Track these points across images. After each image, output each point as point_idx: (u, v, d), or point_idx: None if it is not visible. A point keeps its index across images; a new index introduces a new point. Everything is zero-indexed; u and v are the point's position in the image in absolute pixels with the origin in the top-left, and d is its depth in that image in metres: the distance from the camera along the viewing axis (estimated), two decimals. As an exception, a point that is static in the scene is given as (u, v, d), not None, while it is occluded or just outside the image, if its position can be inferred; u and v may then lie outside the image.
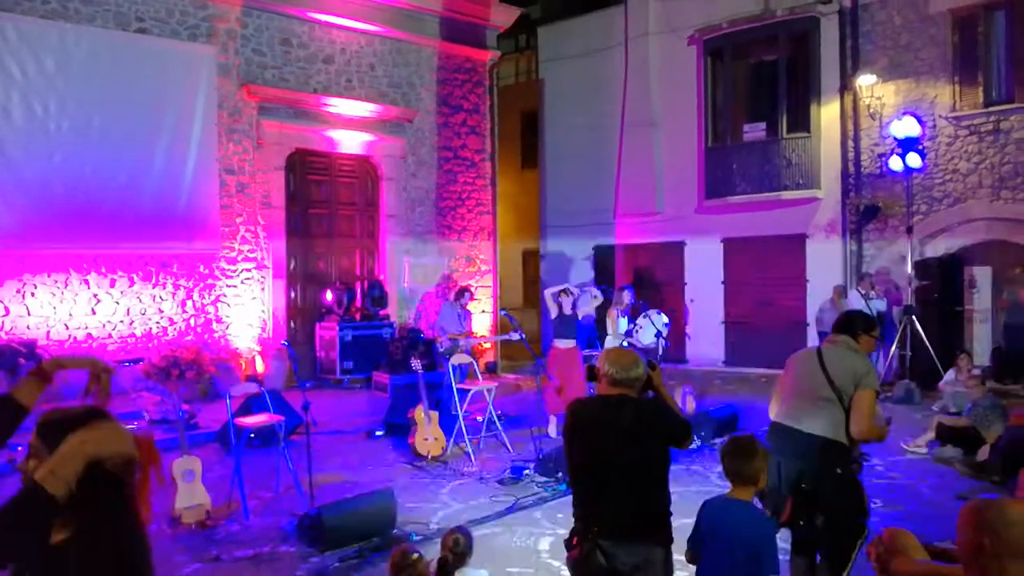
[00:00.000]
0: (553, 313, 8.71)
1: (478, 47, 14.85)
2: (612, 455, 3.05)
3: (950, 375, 9.88)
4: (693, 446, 8.20)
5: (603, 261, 16.67)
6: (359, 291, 12.94)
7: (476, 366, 9.36)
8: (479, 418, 9.34)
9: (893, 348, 11.46)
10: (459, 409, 8.16)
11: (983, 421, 7.12)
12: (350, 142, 13.06)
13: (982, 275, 12.71)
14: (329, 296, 12.37)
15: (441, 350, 9.25)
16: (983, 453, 6.89)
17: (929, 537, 5.25)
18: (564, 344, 8.65)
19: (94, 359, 2.48)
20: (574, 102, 16.97)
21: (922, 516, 5.80)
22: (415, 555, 3.43)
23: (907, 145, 11.46)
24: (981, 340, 12.06)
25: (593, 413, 3.20)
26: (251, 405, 7.93)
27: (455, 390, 8.35)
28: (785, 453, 3.89)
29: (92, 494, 1.89)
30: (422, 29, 13.90)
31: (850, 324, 4.16)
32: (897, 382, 11.06)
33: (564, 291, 8.79)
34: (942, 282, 11.77)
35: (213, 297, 11.54)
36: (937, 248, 12.83)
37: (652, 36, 15.71)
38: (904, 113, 12.17)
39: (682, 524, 5.63)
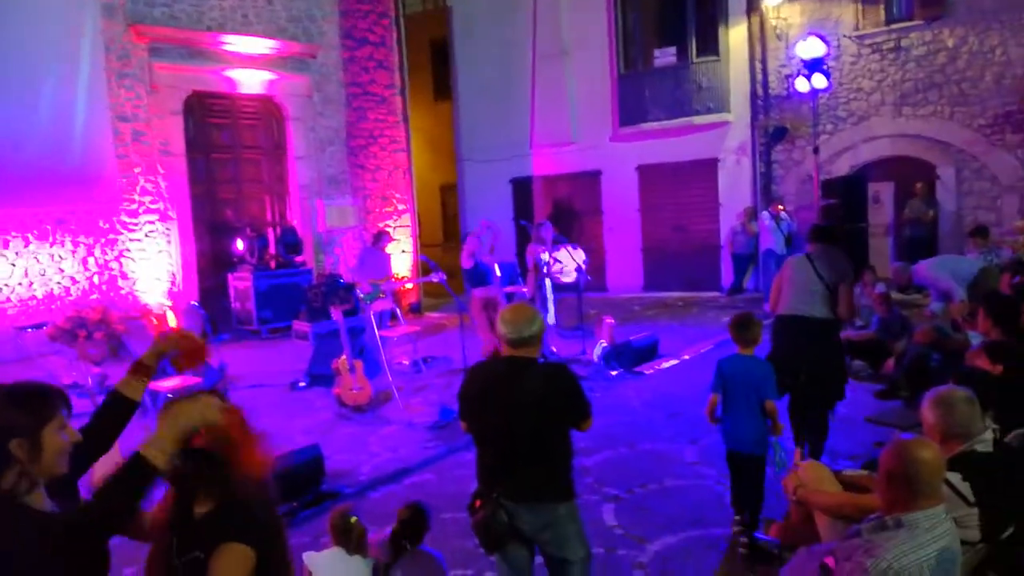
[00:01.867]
0: (467, 264, 8.59)
1: (381, -25, 14.27)
2: (517, 419, 3.02)
3: (856, 290, 10.25)
4: (613, 373, 8.40)
5: (522, 193, 16.59)
6: (271, 238, 12.55)
7: (399, 310, 9.25)
8: (405, 362, 9.31)
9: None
10: (383, 356, 8.08)
11: (889, 336, 7.45)
12: (251, 82, 12.47)
13: (885, 191, 13.17)
14: (240, 245, 11.97)
15: (362, 296, 9.08)
16: (888, 366, 7.24)
17: (839, 455, 5.53)
18: (481, 292, 8.58)
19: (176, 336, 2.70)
20: (485, 30, 16.56)
21: (832, 432, 6.06)
22: (353, 518, 3.38)
23: (812, 66, 11.60)
24: (884, 254, 12.57)
25: (497, 377, 3.14)
26: (165, 365, 7.67)
27: (378, 337, 8.25)
28: (794, 333, 5.18)
29: (197, 469, 2.07)
30: (319, -42, 13.23)
31: (830, 234, 5.54)
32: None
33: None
34: (847, 199, 12.11)
35: (116, 252, 11.02)
36: (842, 166, 13.20)
37: (559, -40, 15.36)
38: (809, 33, 12.30)
39: (606, 457, 5.80)
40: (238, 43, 12.07)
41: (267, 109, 12.96)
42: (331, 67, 13.58)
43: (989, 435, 2.97)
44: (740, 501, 4.43)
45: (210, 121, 12.30)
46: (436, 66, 19.21)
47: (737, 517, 4.40)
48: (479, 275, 8.59)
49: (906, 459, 2.38)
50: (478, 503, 3.13)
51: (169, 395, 7.13)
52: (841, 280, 5.18)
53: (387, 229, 12.20)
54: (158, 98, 11.35)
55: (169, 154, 11.52)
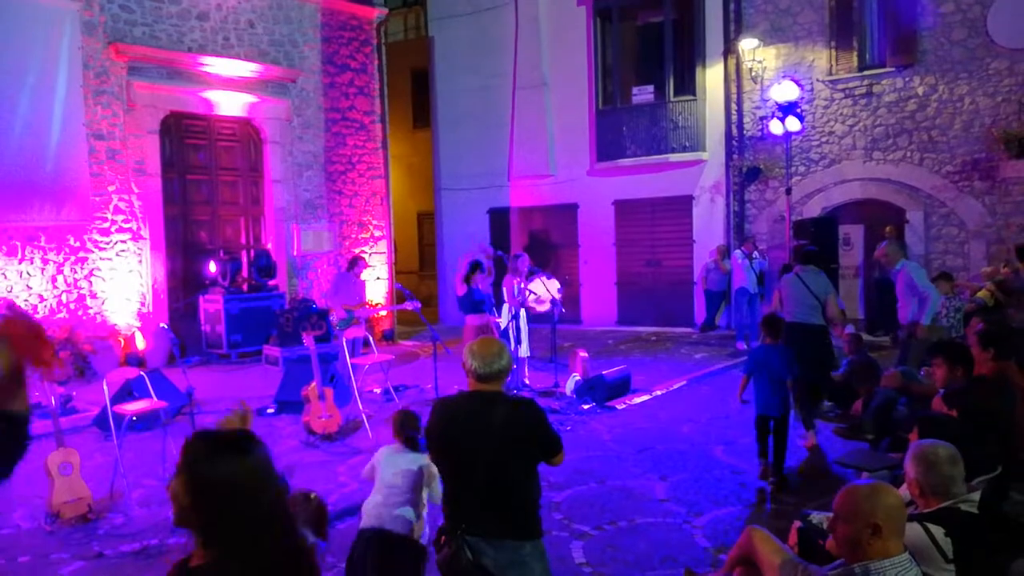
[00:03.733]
0: (461, 291, 8.56)
1: (364, 3, 14.38)
2: (483, 455, 2.98)
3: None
4: (585, 406, 8.38)
5: (498, 224, 16.64)
6: (245, 261, 12.44)
7: (372, 338, 9.18)
8: (376, 390, 9.23)
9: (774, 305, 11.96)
10: (354, 383, 8.02)
11: (857, 378, 7.53)
12: (230, 104, 12.45)
13: (855, 233, 13.39)
14: (213, 267, 11.86)
15: (336, 323, 9.02)
16: (856, 407, 7.31)
17: (807, 497, 5.54)
18: (475, 319, 8.54)
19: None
20: (465, 61, 16.70)
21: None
22: (312, 494, 3.52)
23: (786, 109, 11.86)
24: (854, 296, 12.74)
25: (464, 412, 3.10)
26: (132, 387, 7.55)
27: (350, 364, 8.19)
28: (795, 335, 6.60)
29: None
30: (304, -16, 13.31)
31: (814, 257, 7.52)
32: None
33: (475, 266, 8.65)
34: (818, 240, 12.28)
35: (86, 271, 10.88)
36: (813, 208, 13.42)
37: (542, -5, 15.58)
38: (783, 77, 12.57)
39: (576, 493, 5.77)
40: (218, 65, 12.06)
41: (245, 132, 12.93)
42: (311, 92, 13.61)
43: (976, 496, 2.99)
44: (766, 453, 5.91)
45: (187, 142, 12.24)
46: (416, 94, 19.31)
47: (766, 467, 5.89)
48: (475, 302, 8.53)
49: (868, 505, 2.38)
50: (443, 539, 3.09)
51: (134, 418, 7.01)
52: (828, 293, 6.99)
53: (363, 255, 12.14)
54: (135, 117, 11.29)
55: (144, 173, 11.44)
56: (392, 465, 4.04)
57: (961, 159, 12.35)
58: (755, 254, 12.76)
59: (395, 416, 4.23)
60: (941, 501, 2.93)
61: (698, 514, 5.37)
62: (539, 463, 3.12)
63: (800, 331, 6.80)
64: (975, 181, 12.27)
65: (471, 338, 8.40)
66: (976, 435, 3.68)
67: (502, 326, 9.36)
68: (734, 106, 14.10)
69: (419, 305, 8.67)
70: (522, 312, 9.29)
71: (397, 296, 13.86)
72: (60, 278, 10.65)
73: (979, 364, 4.63)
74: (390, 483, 3.98)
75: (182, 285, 12.14)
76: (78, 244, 10.80)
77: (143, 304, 11.39)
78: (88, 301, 10.88)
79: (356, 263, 10.54)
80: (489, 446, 2.98)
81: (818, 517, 3.40)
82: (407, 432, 4.12)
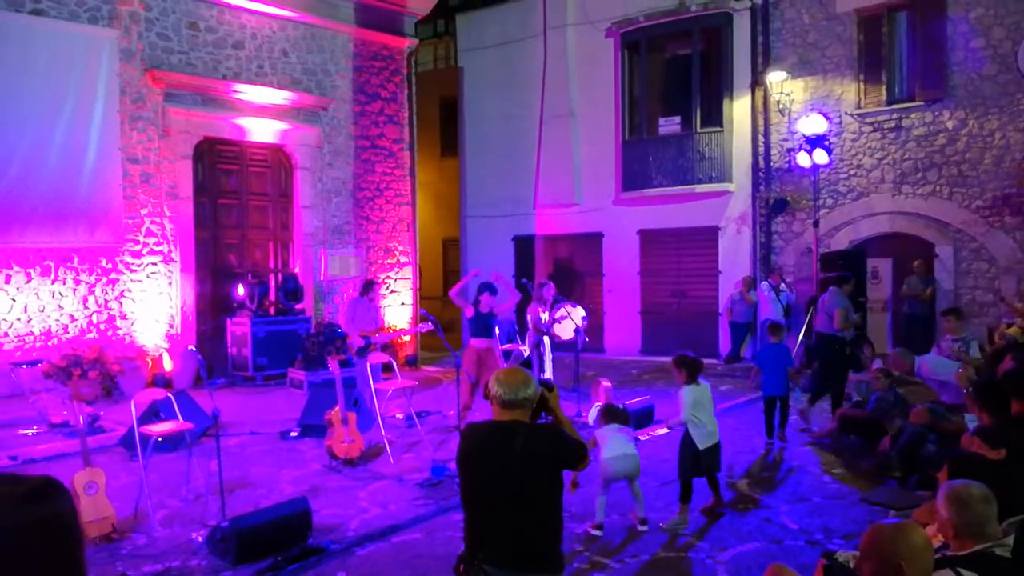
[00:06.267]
0: (469, 313, 8.60)
1: (395, 34, 14.60)
2: (502, 483, 2.99)
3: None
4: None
5: (523, 251, 16.70)
6: (273, 284, 12.59)
7: (395, 362, 9.20)
8: (399, 415, 9.25)
9: (800, 337, 11.84)
10: (377, 409, 8.04)
11: (886, 414, 7.42)
12: (262, 130, 12.67)
13: (883, 267, 13.26)
14: (241, 290, 12.00)
15: (354, 349, 9.04)
16: (883, 444, 7.20)
17: (833, 533, 5.46)
18: (480, 343, 8.57)
19: None
20: (494, 91, 16.88)
21: (827, 509, 6.02)
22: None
23: (814, 141, 11.83)
24: (882, 330, 12.59)
25: (485, 439, 3.13)
26: (159, 408, 7.64)
27: (372, 389, 8.21)
28: (817, 342, 9.11)
29: None
30: (336, 15, 13.56)
31: (834, 280, 9.24)
32: (804, 371, 11.43)
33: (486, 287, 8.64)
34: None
35: (117, 292, 11.06)
36: (841, 240, 13.32)
37: (570, 28, 15.74)
38: (811, 110, 12.55)
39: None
40: (252, 93, 12.30)
41: (276, 158, 13.14)
42: (342, 120, 13.81)
43: (1010, 540, 2.92)
44: (771, 431, 8.08)
45: (219, 167, 12.46)
46: (444, 123, 19.51)
47: (768, 440, 8.01)
48: (481, 325, 8.53)
49: (893, 545, 2.35)
50: (462, 568, 3.08)
51: (160, 439, 7.08)
52: (834, 308, 8.67)
53: (377, 278, 12.20)
54: (170, 142, 11.52)
55: (176, 197, 11.64)
56: None
57: (991, 194, 12.22)
58: (782, 286, 12.68)
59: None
60: (975, 543, 2.87)
61: (722, 549, 5.31)
62: (560, 491, 3.11)
63: (818, 338, 9.07)
64: (1006, 216, 12.13)
65: (469, 361, 8.39)
66: (1008, 475, 3.62)
67: (525, 354, 9.35)
68: (761, 138, 14.09)
69: (433, 326, 8.68)
70: (546, 340, 9.28)
71: (420, 320, 13.91)
72: (91, 299, 10.84)
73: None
74: None
75: (210, 308, 12.29)
76: (110, 266, 10.99)
77: (172, 326, 11.54)
78: (118, 322, 11.05)
79: (370, 287, 10.27)
80: (511, 476, 2.98)
81: (844, 555, 3.35)
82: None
